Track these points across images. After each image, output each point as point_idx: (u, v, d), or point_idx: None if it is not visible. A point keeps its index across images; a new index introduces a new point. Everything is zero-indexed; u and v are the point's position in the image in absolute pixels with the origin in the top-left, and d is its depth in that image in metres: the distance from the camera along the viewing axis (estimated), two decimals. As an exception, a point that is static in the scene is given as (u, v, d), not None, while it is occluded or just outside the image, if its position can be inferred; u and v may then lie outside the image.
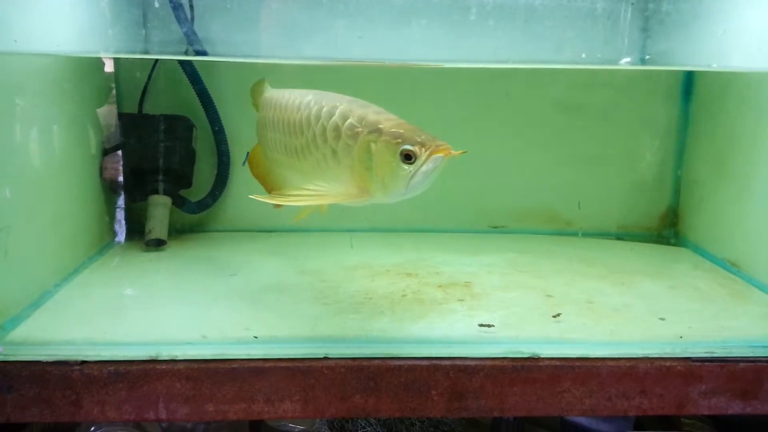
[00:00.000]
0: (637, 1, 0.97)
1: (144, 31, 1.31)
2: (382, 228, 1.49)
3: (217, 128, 1.42)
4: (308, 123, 0.93)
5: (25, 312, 0.98)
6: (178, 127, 1.37)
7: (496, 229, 1.51)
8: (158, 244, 1.33)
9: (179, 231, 1.43)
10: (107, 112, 1.37)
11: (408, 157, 0.84)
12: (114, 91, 1.41)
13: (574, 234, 1.50)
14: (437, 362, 0.91)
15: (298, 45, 1.18)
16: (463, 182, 1.45)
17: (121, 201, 1.39)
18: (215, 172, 1.44)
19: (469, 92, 1.43)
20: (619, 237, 1.50)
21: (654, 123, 1.47)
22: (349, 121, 0.89)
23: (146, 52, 1.33)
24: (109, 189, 1.34)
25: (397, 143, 0.84)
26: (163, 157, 1.34)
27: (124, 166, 1.34)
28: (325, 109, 0.92)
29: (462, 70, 1.41)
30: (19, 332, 0.93)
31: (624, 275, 1.24)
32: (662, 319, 1.04)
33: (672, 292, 1.16)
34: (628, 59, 0.99)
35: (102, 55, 1.34)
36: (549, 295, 1.13)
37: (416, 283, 1.18)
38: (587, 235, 1.49)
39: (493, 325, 0.99)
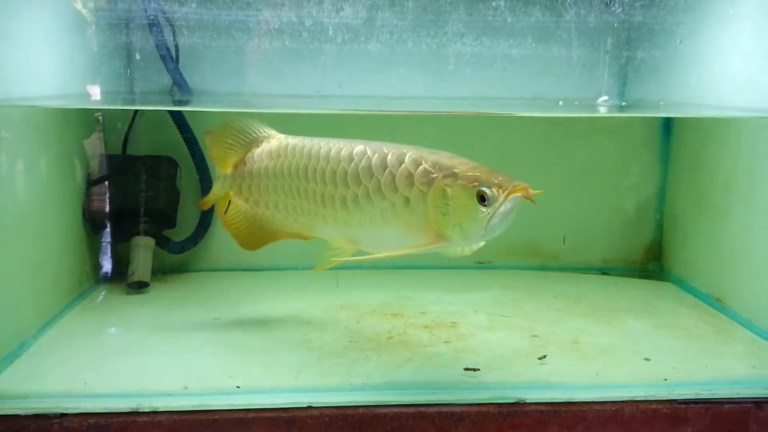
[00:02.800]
0: (613, 50, 0.99)
1: (128, 76, 1.32)
2: (369, 265, 1.49)
3: (201, 168, 1.41)
4: (370, 173, 0.92)
5: (2, 363, 0.96)
6: (162, 167, 1.37)
7: (482, 265, 1.51)
8: (141, 287, 1.31)
9: (163, 271, 1.42)
10: (94, 142, 1.36)
11: (484, 199, 0.83)
12: (101, 119, 1.39)
13: (560, 269, 1.50)
14: (423, 409, 0.90)
15: (278, 92, 1.20)
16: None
17: (104, 241, 1.38)
18: (199, 211, 1.44)
19: (448, 127, 1.44)
20: (604, 271, 1.50)
21: (635, 159, 1.49)
22: (422, 167, 0.88)
23: (132, 102, 1.34)
24: (92, 230, 1.33)
25: (474, 186, 0.84)
26: (146, 199, 1.33)
27: (107, 207, 1.32)
28: (390, 157, 0.91)
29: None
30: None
31: (609, 313, 1.24)
32: (647, 359, 1.04)
33: (657, 331, 1.16)
34: (605, 98, 1.01)
35: (86, 106, 1.34)
36: (535, 335, 1.12)
37: (402, 324, 1.17)
38: (572, 269, 1.50)
39: (478, 369, 0.99)
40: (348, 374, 0.97)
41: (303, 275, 1.45)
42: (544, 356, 1.04)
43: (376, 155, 0.92)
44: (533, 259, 1.51)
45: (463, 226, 0.86)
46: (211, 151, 1.07)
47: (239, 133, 1.05)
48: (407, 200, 0.89)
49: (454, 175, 0.86)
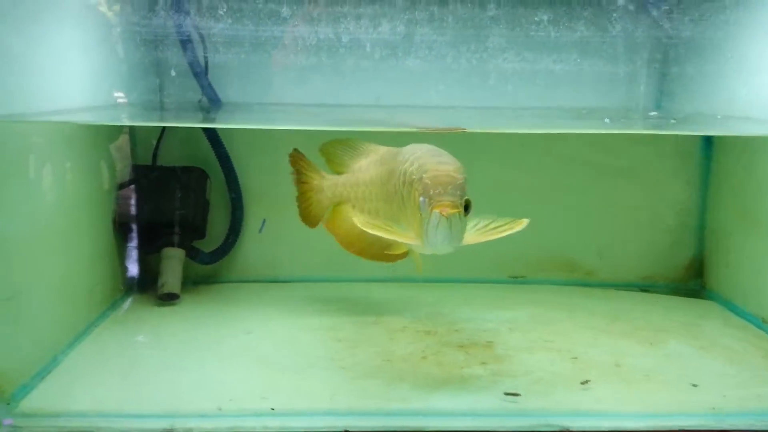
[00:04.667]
0: (659, 64, 0.96)
1: (158, 88, 1.31)
2: (399, 278, 1.46)
3: (230, 178, 1.40)
4: (397, 170, 0.95)
5: (34, 379, 0.95)
6: (192, 178, 1.35)
7: (516, 280, 1.47)
8: (171, 298, 1.30)
9: (193, 282, 1.40)
10: (122, 144, 1.35)
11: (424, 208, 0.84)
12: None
13: (596, 285, 1.46)
14: (461, 437, 0.87)
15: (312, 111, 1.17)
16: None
17: (134, 252, 1.37)
18: (229, 222, 1.42)
19: (485, 140, 1.40)
20: (644, 288, 1.46)
21: (675, 171, 1.44)
22: (412, 167, 0.90)
23: (161, 115, 1.33)
24: (122, 240, 1.32)
25: (418, 193, 0.86)
26: (177, 210, 1.32)
27: (137, 218, 1.31)
28: (410, 156, 0.93)
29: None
30: (30, 402, 0.90)
31: (650, 333, 1.20)
32: (695, 385, 1.00)
33: (703, 354, 1.11)
34: (654, 113, 0.97)
35: (119, 123, 1.34)
36: (574, 357, 1.09)
37: (436, 342, 1.14)
38: (609, 286, 1.45)
39: (519, 394, 0.95)
40: (383, 397, 0.94)
41: (332, 288, 1.43)
42: (587, 381, 1.00)
43: (409, 156, 0.94)
44: (568, 274, 1.47)
45: (418, 229, 0.88)
46: (327, 161, 1.13)
47: (350, 145, 1.10)
48: (402, 198, 0.93)
49: (418, 180, 0.87)
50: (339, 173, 1.12)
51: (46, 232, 1.04)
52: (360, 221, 0.94)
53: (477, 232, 0.94)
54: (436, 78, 0.90)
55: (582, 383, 0.99)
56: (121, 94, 1.27)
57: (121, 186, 1.32)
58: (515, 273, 1.48)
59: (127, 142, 1.38)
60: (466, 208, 0.85)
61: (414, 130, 1.02)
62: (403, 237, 0.91)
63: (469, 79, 0.89)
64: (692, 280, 1.45)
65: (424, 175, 0.87)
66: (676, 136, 1.44)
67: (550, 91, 0.91)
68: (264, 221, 1.14)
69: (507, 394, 0.95)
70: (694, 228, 1.44)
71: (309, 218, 1.18)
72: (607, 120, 0.91)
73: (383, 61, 0.91)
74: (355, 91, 0.97)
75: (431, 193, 0.84)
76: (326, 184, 1.12)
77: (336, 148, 1.11)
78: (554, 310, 1.31)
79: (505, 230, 0.94)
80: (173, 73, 1.11)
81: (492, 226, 0.95)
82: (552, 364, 1.06)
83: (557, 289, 1.45)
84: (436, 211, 0.82)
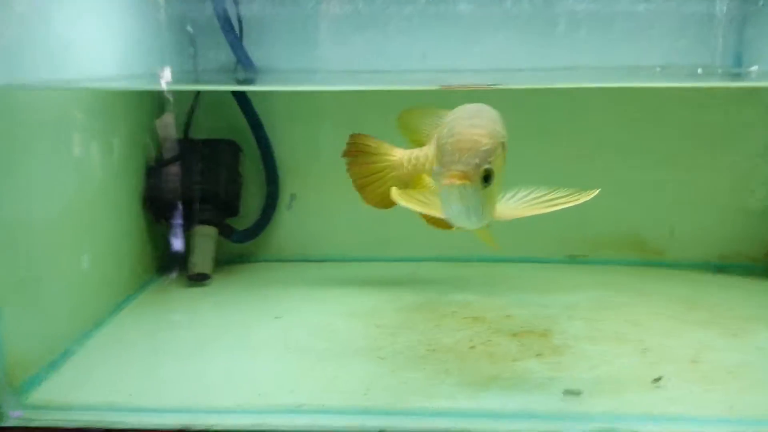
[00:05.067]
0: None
1: (193, 54, 1.23)
2: (448, 257, 1.35)
3: (266, 152, 1.31)
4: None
5: (49, 368, 0.89)
6: (223, 151, 1.27)
7: (575, 260, 1.34)
8: (202, 279, 1.22)
9: (226, 261, 1.33)
10: (167, 122, 1.27)
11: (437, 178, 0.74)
12: (172, 98, 1.30)
13: (667, 265, 1.30)
14: (514, 442, 0.76)
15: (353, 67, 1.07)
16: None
17: (166, 230, 1.30)
18: (264, 199, 1.33)
19: (541, 105, 1.26)
20: (721, 269, 1.29)
21: (756, 137, 1.26)
22: (444, 131, 0.80)
23: (196, 81, 1.25)
24: (152, 218, 1.25)
25: (437, 160, 0.76)
26: (207, 186, 1.24)
27: (167, 194, 1.24)
28: (448, 120, 0.83)
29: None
30: (41, 393, 0.84)
31: (733, 322, 1.05)
32: (789, 385, 0.85)
33: (797, 347, 0.96)
34: (755, 67, 0.81)
35: (151, 87, 1.26)
36: (645, 349, 0.95)
37: (485, 329, 1.03)
38: (683, 266, 1.30)
39: (581, 392, 0.83)
40: (425, 393, 0.83)
41: (374, 268, 1.34)
42: (660, 378, 0.87)
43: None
44: (635, 253, 1.32)
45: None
46: (406, 132, 1.01)
47: (429, 113, 0.98)
48: None
49: (440, 146, 0.77)
50: (418, 145, 1.01)
51: (69, 212, 0.97)
52: (396, 193, 0.83)
53: (525, 204, 0.81)
54: (493, 27, 0.76)
55: (654, 381, 0.86)
56: (166, 73, 1.20)
57: (151, 161, 1.24)
58: (575, 252, 1.34)
59: (173, 118, 1.30)
60: (487, 177, 0.73)
61: (436, 87, 0.89)
62: (436, 210, 0.80)
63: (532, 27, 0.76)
64: (776, 260, 1.29)
65: (446, 141, 0.76)
66: (760, 98, 1.26)
67: (631, 40, 0.76)
68: (292, 197, 1.04)
69: (567, 392, 0.83)
70: (779, 202, 1.27)
71: (386, 200, 1.06)
72: (699, 71, 0.76)
73: (430, 6, 0.78)
74: (397, 47, 0.86)
75: (444, 160, 0.74)
76: (405, 158, 1.00)
77: (414, 117, 1.00)
78: (620, 294, 1.17)
79: (559, 203, 0.81)
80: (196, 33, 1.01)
81: (547, 198, 0.82)
82: (619, 357, 0.93)
83: (622, 269, 1.30)
84: (446, 181, 0.72)
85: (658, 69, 0.96)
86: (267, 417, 0.79)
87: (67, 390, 0.84)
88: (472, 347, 0.97)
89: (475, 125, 0.78)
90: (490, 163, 0.73)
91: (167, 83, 1.13)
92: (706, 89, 1.23)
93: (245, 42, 1.24)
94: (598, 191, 0.77)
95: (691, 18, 1.01)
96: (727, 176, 1.29)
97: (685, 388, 0.85)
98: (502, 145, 0.78)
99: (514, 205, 0.81)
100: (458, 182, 0.71)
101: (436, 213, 0.81)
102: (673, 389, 0.84)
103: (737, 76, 1.20)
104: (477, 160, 0.73)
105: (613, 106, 1.26)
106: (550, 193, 0.83)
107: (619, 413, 0.79)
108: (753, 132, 1.26)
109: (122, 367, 0.91)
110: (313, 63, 1.27)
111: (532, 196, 0.82)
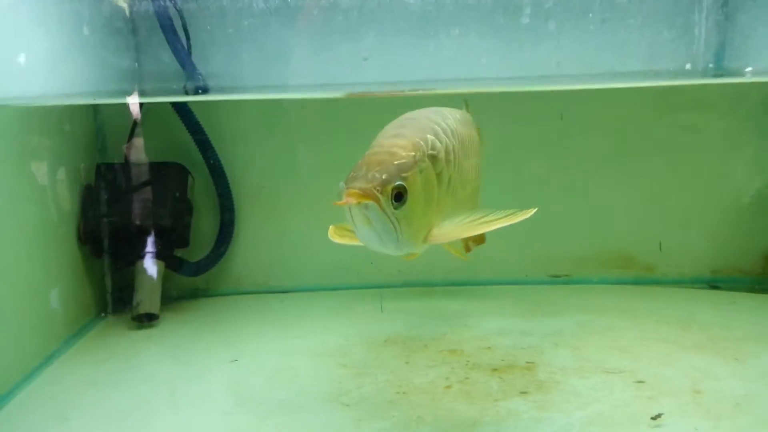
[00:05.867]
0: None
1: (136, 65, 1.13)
2: (417, 281, 1.24)
3: (217, 175, 1.20)
4: None
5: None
6: (169, 176, 1.15)
7: (558, 279, 1.24)
8: (149, 319, 1.10)
9: (177, 297, 1.21)
10: (136, 146, 1.16)
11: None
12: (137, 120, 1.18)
13: (657, 282, 1.21)
14: (498, 502, 0.66)
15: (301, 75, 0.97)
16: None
17: (103, 266, 1.18)
18: (218, 226, 1.22)
19: (517, 114, 1.17)
20: (714, 285, 1.21)
21: (748, 147, 1.18)
22: None
23: (140, 94, 1.14)
24: (91, 254, 1.13)
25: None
26: (152, 214, 1.12)
27: (106, 225, 1.12)
28: None
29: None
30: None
31: (733, 344, 0.96)
32: (803, 416, 0.76)
33: (805, 371, 0.87)
34: (750, 68, 0.73)
35: (89, 101, 1.15)
36: (640, 381, 0.85)
37: (463, 365, 0.92)
38: (673, 283, 1.21)
39: (572, 437, 0.73)
40: (394, 447, 0.73)
41: (340, 296, 1.23)
42: (659, 415, 0.77)
43: None
44: (622, 270, 1.23)
45: None
46: None
47: None
48: None
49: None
50: None
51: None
52: (331, 231, 0.73)
53: (460, 225, 0.71)
54: (447, 22, 0.67)
55: (653, 419, 0.76)
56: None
57: (87, 189, 1.12)
58: (557, 271, 1.24)
59: (142, 143, 1.19)
60: (399, 196, 0.63)
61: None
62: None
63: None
64: (773, 272, 1.20)
65: (367, 154, 0.66)
66: (749, 103, 1.18)
67: (607, 33, 0.68)
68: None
69: (557, 437, 0.73)
70: (771, 212, 1.19)
71: None
72: (688, 66, 0.68)
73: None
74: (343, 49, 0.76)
75: (349, 175, 0.64)
76: None
77: None
78: (608, 317, 1.08)
79: (496, 222, 0.70)
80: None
81: (484, 218, 0.71)
82: (611, 392, 0.83)
83: (609, 289, 1.22)
84: (343, 200, 0.62)
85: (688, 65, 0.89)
86: (209, 487, 0.68)
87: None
88: (448, 387, 0.86)
89: (399, 135, 0.68)
90: (404, 179, 0.63)
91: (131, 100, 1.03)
92: (692, 99, 1.16)
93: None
94: (535, 210, 0.66)
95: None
96: (718, 186, 1.21)
97: (689, 426, 0.75)
98: (433, 158, 0.68)
99: (450, 226, 0.71)
100: (353, 201, 0.61)
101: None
102: (675, 428, 0.74)
103: (720, 76, 1.12)
104: (384, 176, 0.62)
105: (597, 119, 1.18)
106: (488, 214, 0.72)
107: (618, 462, 0.69)
108: (742, 141, 1.19)
109: (59, 425, 0.78)
110: (261, 77, 1.17)
111: (475, 216, 0.72)
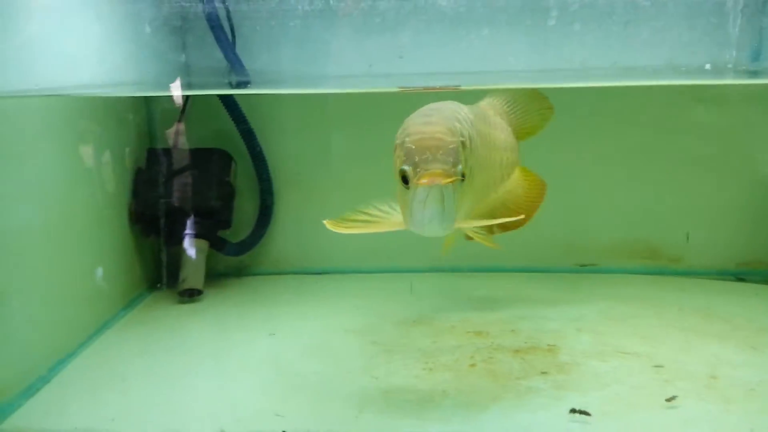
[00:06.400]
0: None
1: (183, 57, 1.19)
2: (448, 267, 1.29)
3: (258, 161, 1.26)
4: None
5: (26, 393, 0.84)
6: (214, 161, 1.22)
7: (585, 268, 1.27)
8: (193, 294, 1.18)
9: (219, 275, 1.28)
10: (178, 131, 1.23)
11: (405, 180, 0.68)
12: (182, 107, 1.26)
13: (682, 274, 1.24)
14: (515, 470, 0.71)
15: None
16: (544, 211, 1.22)
17: (152, 244, 1.26)
18: (258, 209, 1.29)
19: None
20: (740, 277, 1.23)
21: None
22: (400, 131, 0.73)
23: (189, 86, 1.21)
24: (141, 233, 1.21)
25: (401, 161, 0.68)
26: (198, 197, 1.19)
27: (156, 207, 1.19)
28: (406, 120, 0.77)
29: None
30: (15, 420, 0.79)
31: (753, 334, 0.98)
32: (816, 403, 0.79)
33: (822, 361, 0.90)
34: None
35: (139, 93, 1.22)
36: (658, 365, 0.89)
37: (487, 345, 0.97)
38: (699, 275, 1.23)
39: (589, 414, 0.77)
40: (419, 416, 0.78)
41: (372, 279, 1.29)
42: (674, 397, 0.80)
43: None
44: (648, 261, 1.26)
45: (401, 205, 0.71)
46: None
47: None
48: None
49: (400, 144, 0.70)
50: None
51: (49, 225, 0.93)
52: (330, 225, 0.77)
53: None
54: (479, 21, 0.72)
55: (667, 400, 0.80)
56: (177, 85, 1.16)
57: (137, 172, 1.20)
58: (583, 260, 1.27)
59: (183, 128, 1.26)
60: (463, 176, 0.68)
61: (397, 90, 0.84)
62: (386, 225, 0.74)
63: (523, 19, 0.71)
64: (799, 266, 1.21)
65: (406, 139, 0.69)
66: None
67: (630, 34, 0.71)
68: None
69: (573, 411, 0.77)
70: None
71: None
72: (708, 66, 0.71)
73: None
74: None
75: (416, 159, 0.67)
76: None
77: None
78: (631, 306, 1.11)
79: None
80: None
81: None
82: (630, 374, 0.87)
83: (635, 279, 1.24)
84: (424, 181, 0.65)
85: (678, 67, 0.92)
86: (248, 444, 0.74)
87: (44, 415, 0.80)
88: (473, 365, 0.91)
89: (432, 122, 0.71)
90: (462, 161, 0.68)
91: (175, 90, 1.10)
92: (720, 89, 1.17)
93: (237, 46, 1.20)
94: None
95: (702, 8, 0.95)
96: (745, 179, 1.23)
97: (702, 408, 0.78)
98: (462, 144, 0.71)
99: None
100: (441, 181, 0.64)
101: (386, 227, 0.75)
102: (688, 409, 0.78)
103: (754, 74, 1.13)
104: (451, 159, 0.66)
105: (625, 109, 1.20)
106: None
107: (630, 438, 0.73)
108: (761, 134, 1.20)
109: (104, 391, 0.86)
110: (304, 67, 1.23)
111: None
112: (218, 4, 1.15)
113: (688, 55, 0.90)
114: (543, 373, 0.88)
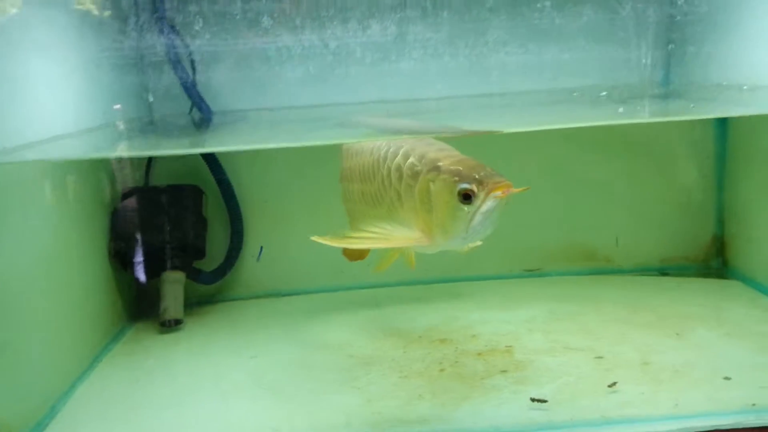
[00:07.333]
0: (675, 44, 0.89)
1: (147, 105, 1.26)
2: (409, 281, 1.40)
3: (227, 192, 1.35)
4: (378, 167, 0.89)
5: (38, 428, 0.91)
6: (187, 196, 1.30)
7: (531, 273, 1.42)
8: (175, 324, 1.25)
9: (195, 303, 1.36)
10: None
11: (467, 197, 0.77)
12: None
13: (614, 272, 1.40)
14: (487, 457, 0.83)
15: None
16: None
17: (131, 279, 1.32)
18: (229, 238, 1.37)
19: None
20: (664, 272, 1.40)
21: (690, 147, 1.37)
22: (410, 160, 0.84)
23: (151, 124, 1.28)
24: (120, 268, 1.27)
25: (455, 181, 0.78)
26: (174, 231, 1.27)
27: (133, 243, 1.26)
28: (391, 149, 0.87)
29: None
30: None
31: (676, 321, 1.14)
32: (727, 378, 0.94)
33: (732, 342, 1.06)
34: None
35: (107, 155, 1.28)
36: (599, 356, 1.03)
37: (453, 351, 1.09)
38: (628, 272, 1.40)
39: (546, 401, 0.90)
40: (402, 419, 0.89)
41: (337, 298, 1.38)
42: (614, 383, 0.94)
43: (385, 149, 0.89)
44: (586, 263, 1.41)
45: (445, 224, 0.80)
46: None
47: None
48: (399, 195, 0.86)
49: (437, 169, 0.81)
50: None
51: (38, 269, 0.99)
52: (325, 239, 0.86)
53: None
54: (433, 77, 0.84)
55: (609, 386, 0.94)
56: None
57: (114, 211, 1.26)
58: (530, 266, 1.42)
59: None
60: None
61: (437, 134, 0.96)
62: (404, 241, 0.85)
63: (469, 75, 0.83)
64: (713, 259, 1.39)
65: (441, 164, 0.80)
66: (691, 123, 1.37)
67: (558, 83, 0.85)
68: (261, 249, 1.10)
69: (533, 400, 0.90)
70: (713, 205, 1.38)
71: None
72: (621, 110, 0.85)
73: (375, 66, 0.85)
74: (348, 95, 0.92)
75: (477, 177, 0.77)
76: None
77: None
78: (574, 304, 1.26)
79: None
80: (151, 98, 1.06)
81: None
82: (576, 366, 1.01)
83: (575, 279, 1.39)
84: (497, 192, 0.76)
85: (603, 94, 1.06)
86: (255, 457, 0.84)
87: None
88: (442, 370, 1.03)
89: (445, 148, 0.84)
90: None
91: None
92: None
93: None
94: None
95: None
96: (665, 188, 1.39)
97: (637, 391, 0.92)
98: None
99: None
100: (514, 191, 0.76)
101: (404, 243, 0.85)
102: (626, 393, 0.92)
103: (664, 97, 1.30)
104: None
105: (566, 132, 1.35)
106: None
107: (581, 420, 0.86)
108: (686, 148, 1.37)
109: (108, 423, 0.93)
110: (268, 101, 1.32)
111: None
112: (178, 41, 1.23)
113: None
114: (503, 371, 1.01)
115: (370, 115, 1.20)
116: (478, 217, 0.77)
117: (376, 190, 0.91)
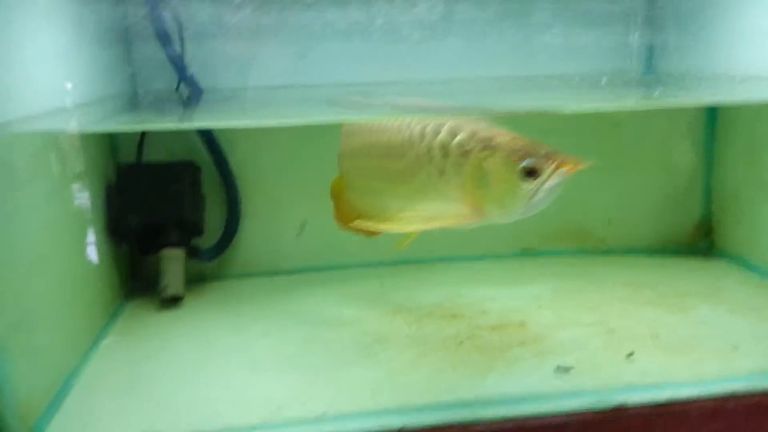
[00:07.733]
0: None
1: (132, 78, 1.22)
2: (407, 259, 1.41)
3: (223, 168, 1.31)
4: (410, 144, 0.88)
5: (54, 405, 0.87)
6: (184, 173, 1.26)
7: (527, 252, 1.44)
8: (175, 300, 1.21)
9: (194, 281, 1.32)
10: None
11: (530, 173, 0.78)
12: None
13: (606, 252, 1.44)
14: (522, 423, 0.84)
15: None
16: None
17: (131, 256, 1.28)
18: (226, 215, 1.34)
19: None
20: (653, 252, 1.44)
21: (680, 132, 1.42)
22: (459, 137, 0.83)
23: (141, 119, 1.23)
24: (119, 245, 1.22)
25: (517, 159, 0.78)
26: (172, 208, 1.23)
27: (131, 220, 1.21)
28: (429, 127, 0.86)
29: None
30: (53, 430, 0.82)
31: (677, 299, 1.18)
32: (736, 347, 0.99)
33: (734, 316, 1.10)
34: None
35: (94, 129, 1.22)
36: (611, 330, 1.06)
37: (466, 326, 1.10)
38: (620, 252, 1.44)
39: (572, 368, 0.92)
40: (431, 391, 0.89)
41: (339, 275, 1.37)
42: (632, 353, 0.97)
43: (419, 127, 0.88)
44: (578, 243, 1.45)
45: (503, 201, 0.81)
46: None
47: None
48: (442, 172, 0.85)
49: (494, 147, 0.81)
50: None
51: (43, 247, 0.94)
52: (387, 224, 0.87)
53: None
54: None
55: (627, 356, 0.97)
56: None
57: (110, 189, 1.21)
58: (527, 245, 1.44)
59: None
60: None
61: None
62: (454, 219, 0.85)
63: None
64: (701, 240, 1.45)
65: (498, 141, 0.80)
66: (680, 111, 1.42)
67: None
68: (303, 224, 1.10)
69: (559, 367, 0.92)
70: (701, 188, 1.43)
71: None
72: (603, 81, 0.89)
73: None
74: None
75: (542, 152, 0.78)
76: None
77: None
78: (575, 282, 1.28)
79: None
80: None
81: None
82: (591, 340, 1.03)
83: (570, 259, 1.42)
84: (563, 169, 0.77)
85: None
86: (293, 429, 0.82)
87: (79, 425, 0.83)
88: (460, 343, 1.03)
89: (489, 127, 0.84)
90: None
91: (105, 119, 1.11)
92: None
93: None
94: None
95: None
96: (657, 172, 1.44)
97: (653, 361, 0.95)
98: None
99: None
100: (579, 166, 0.77)
101: (454, 221, 0.85)
102: (643, 362, 0.95)
103: (647, 84, 1.34)
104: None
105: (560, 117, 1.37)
106: None
107: (607, 386, 0.88)
108: (676, 136, 1.42)
109: (125, 399, 0.90)
110: (259, 79, 1.29)
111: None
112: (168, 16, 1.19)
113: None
114: (521, 344, 1.02)
115: (360, 95, 1.20)
116: (542, 193, 0.78)
117: (406, 166, 0.90)
